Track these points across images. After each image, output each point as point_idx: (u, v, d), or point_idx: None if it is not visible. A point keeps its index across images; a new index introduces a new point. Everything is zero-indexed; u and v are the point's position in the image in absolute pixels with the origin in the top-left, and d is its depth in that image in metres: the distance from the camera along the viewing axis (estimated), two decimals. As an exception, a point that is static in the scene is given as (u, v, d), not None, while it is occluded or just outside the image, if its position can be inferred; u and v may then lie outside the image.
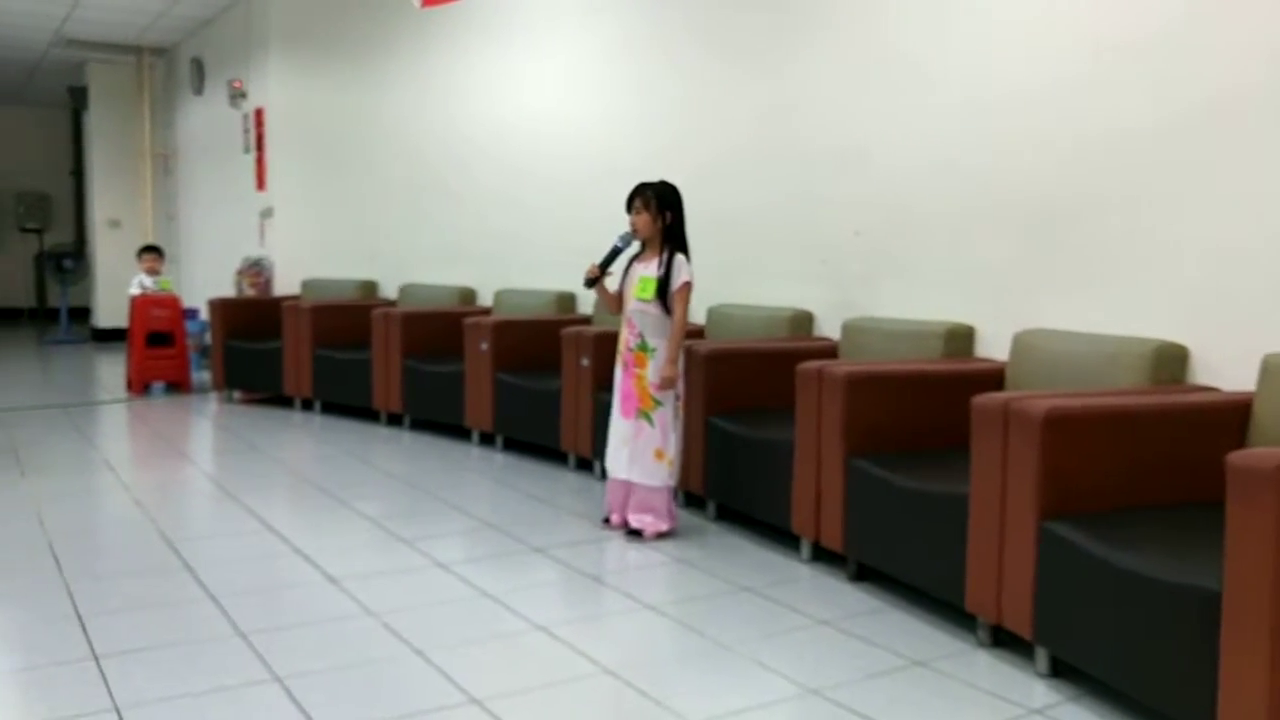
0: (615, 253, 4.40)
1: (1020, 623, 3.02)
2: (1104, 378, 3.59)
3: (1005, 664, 3.10)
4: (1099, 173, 3.92)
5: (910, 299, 4.71)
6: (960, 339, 4.38)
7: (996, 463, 3.08)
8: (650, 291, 4.29)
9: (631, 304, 4.37)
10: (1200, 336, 3.57)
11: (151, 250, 9.08)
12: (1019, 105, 4.22)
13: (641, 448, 4.32)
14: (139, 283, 8.73)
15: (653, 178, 4.43)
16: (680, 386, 4.40)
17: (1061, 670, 2.99)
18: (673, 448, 4.34)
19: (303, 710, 2.73)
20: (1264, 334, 3.32)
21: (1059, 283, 4.08)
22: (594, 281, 4.42)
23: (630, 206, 4.35)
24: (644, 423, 4.33)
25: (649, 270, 4.33)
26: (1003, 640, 3.21)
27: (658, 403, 4.32)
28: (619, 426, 4.41)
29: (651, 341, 4.33)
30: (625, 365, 4.40)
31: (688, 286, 4.30)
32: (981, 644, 3.22)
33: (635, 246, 4.43)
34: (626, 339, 4.40)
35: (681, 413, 4.43)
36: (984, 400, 3.18)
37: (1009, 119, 4.26)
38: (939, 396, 3.93)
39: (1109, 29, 3.87)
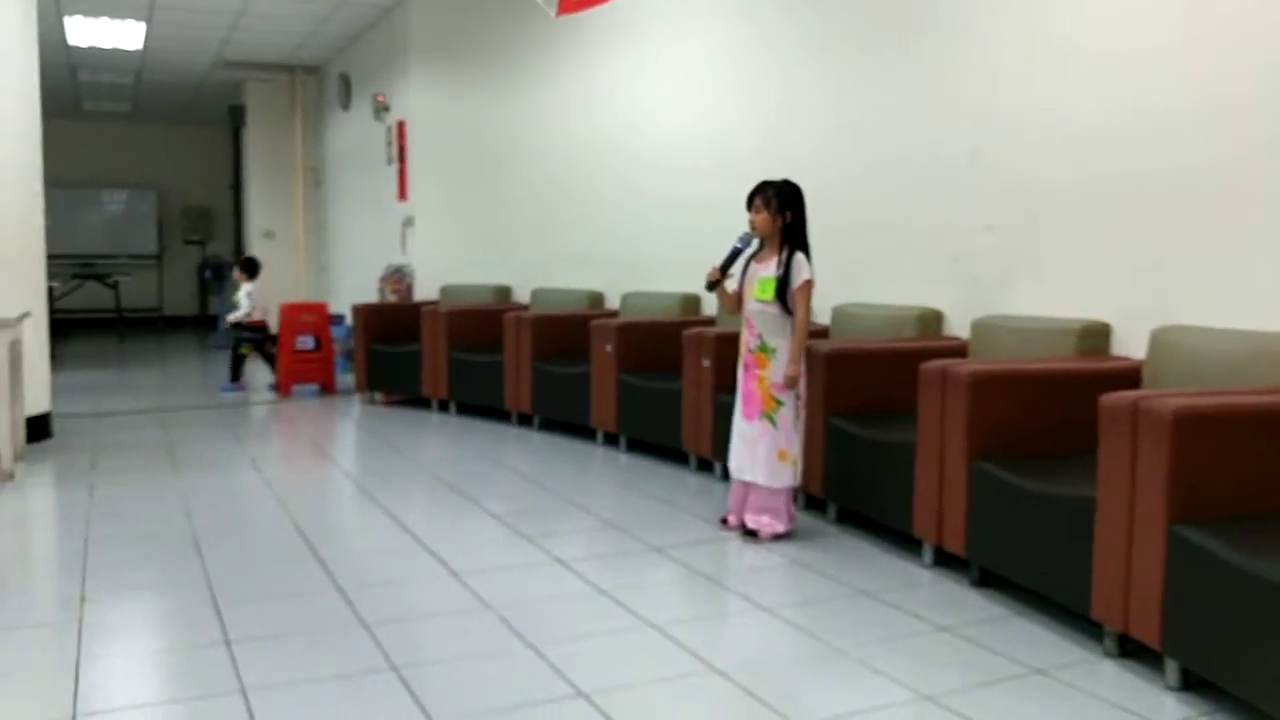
0: (735, 254, 4.36)
1: (1148, 632, 2.87)
2: (1250, 375, 3.38)
3: (1133, 675, 2.95)
4: (1241, 162, 3.70)
5: (1044, 296, 4.53)
6: (1096, 337, 4.19)
7: (1125, 463, 2.93)
8: (770, 292, 4.24)
9: (751, 305, 4.34)
10: (1358, 332, 3.33)
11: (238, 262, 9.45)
12: (1159, 96, 4.01)
13: (766, 449, 4.28)
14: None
15: (777, 179, 4.39)
16: (801, 386, 4.35)
17: (1194, 684, 2.83)
18: (795, 447, 4.29)
19: (415, 699, 2.81)
20: None
21: (1201, 278, 3.86)
22: (715, 284, 4.39)
23: (750, 205, 4.32)
24: (767, 424, 4.29)
25: (768, 270, 4.29)
26: (1131, 651, 3.05)
27: (779, 403, 4.27)
28: (742, 429, 4.38)
29: (771, 342, 4.28)
30: (746, 367, 4.37)
31: (809, 285, 4.24)
32: (1108, 654, 3.07)
33: (754, 246, 4.40)
34: (746, 340, 4.37)
35: (803, 412, 4.37)
36: (1112, 399, 3.03)
37: (1149, 110, 4.05)
38: (1069, 396, 3.76)
39: (1259, 10, 3.65)
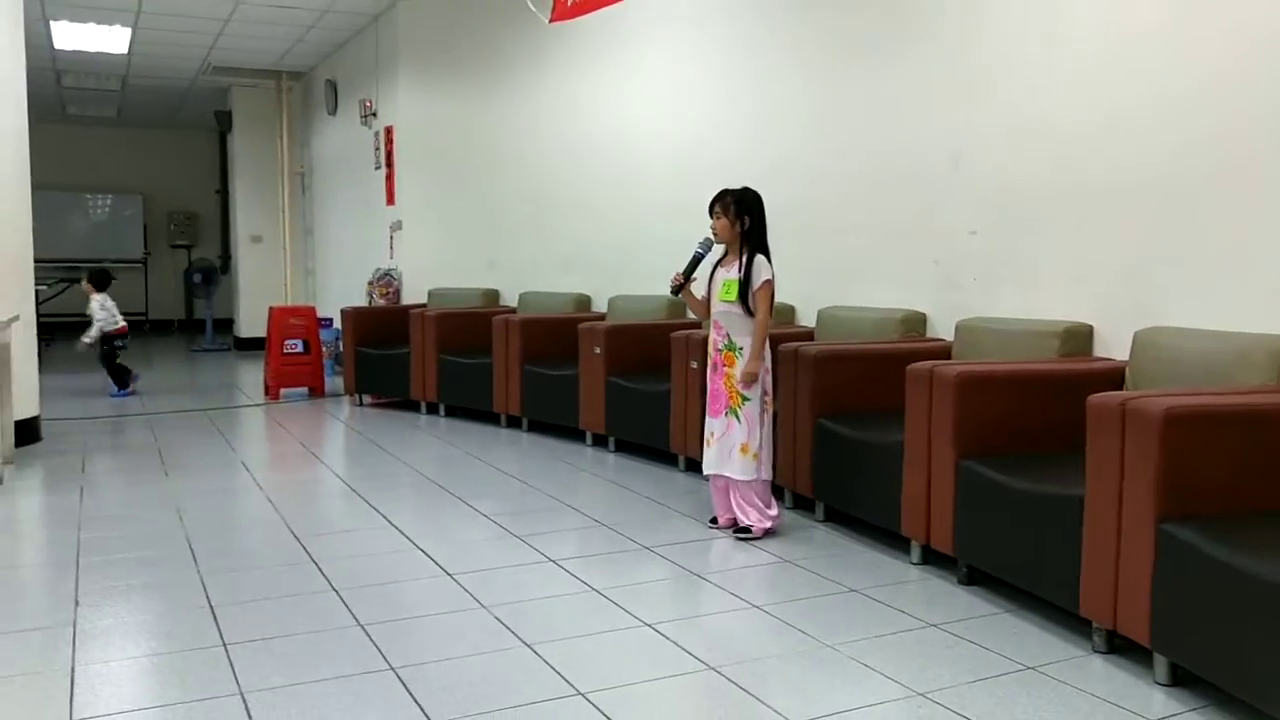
0: (697, 259, 4.49)
1: (1138, 629, 2.91)
2: (1232, 376, 3.44)
3: (1122, 671, 2.99)
4: (1222, 166, 3.76)
5: (1026, 299, 4.60)
6: (1078, 338, 4.25)
7: (1113, 463, 2.98)
8: (733, 293, 4.36)
9: (717, 306, 4.46)
10: (1338, 332, 3.39)
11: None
12: (1138, 101, 4.07)
13: (731, 444, 4.39)
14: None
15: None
16: (767, 382, 4.43)
17: (1183, 679, 2.88)
18: (757, 442, 4.37)
19: (415, 699, 2.83)
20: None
21: (1183, 279, 3.92)
22: (680, 289, 4.51)
23: (711, 212, 4.43)
24: (732, 419, 4.39)
25: (730, 273, 4.42)
26: (1119, 647, 3.10)
27: (745, 399, 4.37)
28: (710, 425, 4.49)
29: (738, 341, 4.40)
30: (714, 366, 4.48)
31: (768, 285, 4.35)
32: (1097, 650, 3.12)
33: (719, 251, 4.47)
34: (715, 340, 4.48)
35: (770, 408, 4.44)
36: (1100, 399, 3.08)
37: (1128, 115, 4.11)
38: (1054, 397, 3.82)
39: (1227, 16, 3.71)
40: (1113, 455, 2.99)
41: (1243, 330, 3.58)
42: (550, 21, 6.72)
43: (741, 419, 4.37)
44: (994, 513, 3.55)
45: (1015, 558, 3.47)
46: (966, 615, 3.47)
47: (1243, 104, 3.68)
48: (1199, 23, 3.83)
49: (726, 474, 4.41)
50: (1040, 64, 4.50)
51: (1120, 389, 3.79)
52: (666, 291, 6.63)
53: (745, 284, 4.34)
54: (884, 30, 5.35)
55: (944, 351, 4.73)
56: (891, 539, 4.24)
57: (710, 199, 4.43)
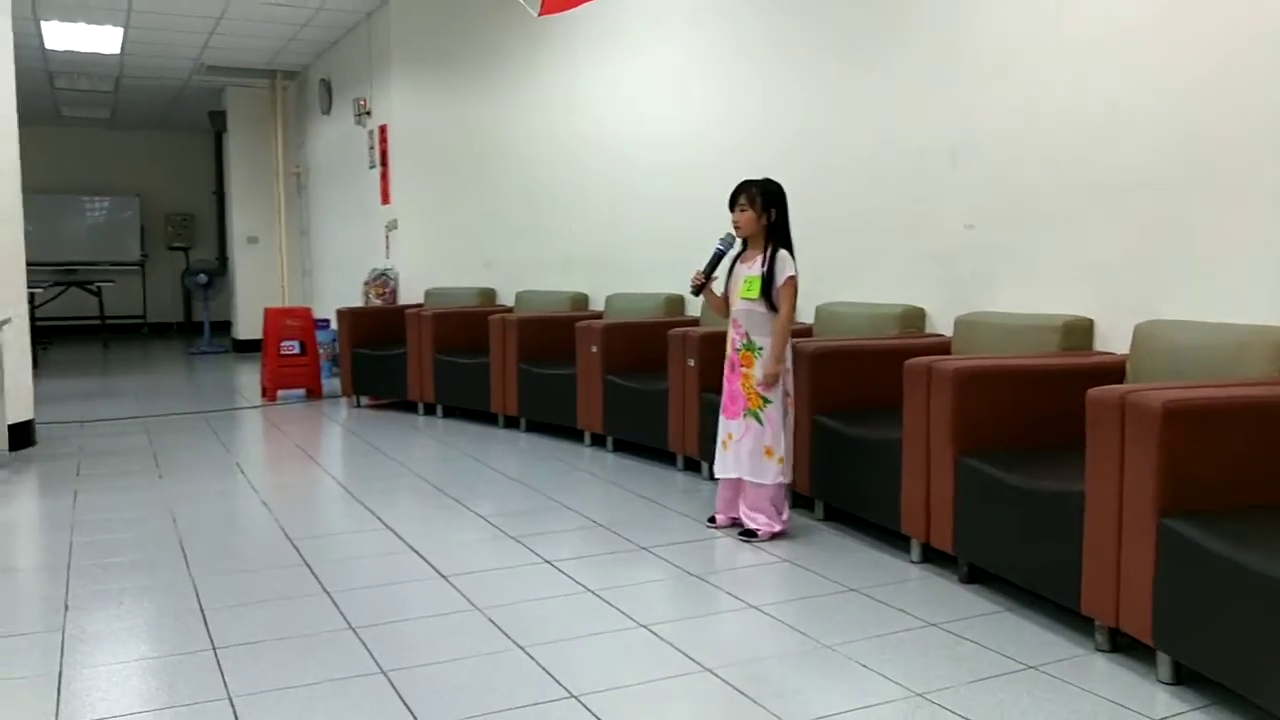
0: (719, 257, 4.34)
1: (1140, 627, 2.87)
2: (1233, 368, 3.39)
3: (1125, 670, 2.95)
4: (1219, 157, 3.71)
5: (1026, 293, 4.55)
6: (1078, 332, 4.20)
7: (1113, 458, 2.93)
8: (755, 290, 4.22)
9: (737, 304, 4.32)
10: (1341, 323, 3.34)
11: None
12: (1136, 94, 4.02)
13: (751, 446, 4.27)
14: None
15: (758, 178, 4.38)
16: (789, 383, 4.33)
17: (1187, 678, 2.83)
18: (783, 445, 4.28)
19: (404, 702, 2.78)
20: None
21: (1182, 272, 3.87)
22: (701, 288, 4.37)
23: (734, 204, 4.30)
24: (752, 421, 4.28)
25: (752, 269, 4.27)
26: (1122, 645, 3.05)
27: (766, 401, 4.26)
28: (726, 427, 4.38)
29: (758, 340, 4.27)
30: (733, 366, 4.36)
31: (793, 281, 4.22)
32: (1099, 649, 3.07)
33: (738, 247, 4.38)
34: (733, 339, 4.35)
35: (791, 410, 4.36)
36: (1099, 393, 3.03)
37: (1125, 107, 4.06)
38: (1054, 391, 3.77)
39: (1225, 9, 3.66)
40: (1113, 450, 2.94)
41: (1243, 322, 3.53)
42: (539, 14, 6.67)
43: (764, 421, 4.25)
44: (994, 510, 3.51)
45: (1015, 555, 3.43)
46: (967, 614, 3.42)
47: (1243, 97, 3.63)
48: (1198, 17, 3.78)
49: (745, 477, 4.30)
50: (1039, 58, 4.45)
51: (1121, 382, 3.74)
52: (664, 288, 6.72)
53: (769, 280, 4.21)
54: (881, 25, 5.30)
55: (943, 347, 4.68)
56: (892, 537, 4.20)
57: (731, 191, 4.29)
